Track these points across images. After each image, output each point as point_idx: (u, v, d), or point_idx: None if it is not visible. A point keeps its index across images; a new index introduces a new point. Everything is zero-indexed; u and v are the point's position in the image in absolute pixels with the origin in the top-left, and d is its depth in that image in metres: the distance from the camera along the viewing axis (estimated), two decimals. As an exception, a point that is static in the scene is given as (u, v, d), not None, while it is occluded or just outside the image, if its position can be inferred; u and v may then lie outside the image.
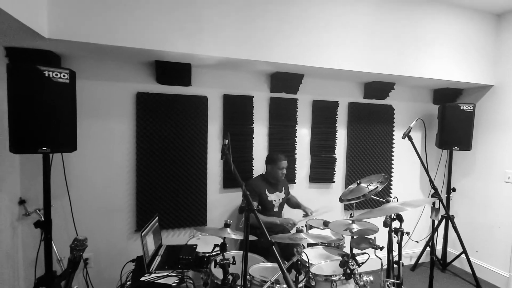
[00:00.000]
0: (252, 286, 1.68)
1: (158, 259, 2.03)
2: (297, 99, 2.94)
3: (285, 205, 2.75)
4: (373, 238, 2.03)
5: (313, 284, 1.81)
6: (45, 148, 1.68)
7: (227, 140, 1.52)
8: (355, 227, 2.08)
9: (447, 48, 2.86)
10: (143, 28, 1.97)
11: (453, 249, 3.30)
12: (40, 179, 1.84)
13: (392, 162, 3.35)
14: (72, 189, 2.23)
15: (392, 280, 1.83)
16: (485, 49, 3.05)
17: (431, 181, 2.20)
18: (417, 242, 3.40)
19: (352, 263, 1.72)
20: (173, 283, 1.70)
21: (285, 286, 1.51)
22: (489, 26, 3.05)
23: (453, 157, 3.28)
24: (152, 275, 1.78)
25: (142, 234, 1.88)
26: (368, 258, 2.00)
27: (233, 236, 1.71)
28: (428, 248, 3.29)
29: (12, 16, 1.46)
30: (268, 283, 1.57)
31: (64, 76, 1.72)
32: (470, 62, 2.98)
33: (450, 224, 3.05)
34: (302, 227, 1.93)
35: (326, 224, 2.53)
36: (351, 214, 2.38)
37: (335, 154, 3.11)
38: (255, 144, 2.83)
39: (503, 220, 2.99)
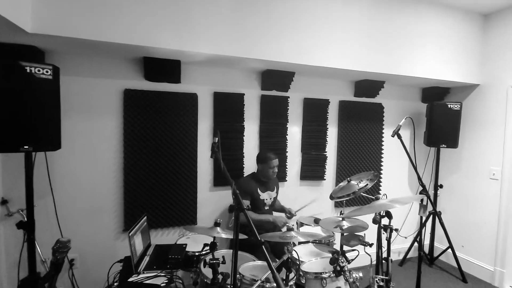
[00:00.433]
0: (242, 285, 1.67)
1: (146, 259, 2.00)
2: (288, 97, 2.94)
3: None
4: (363, 235, 2.05)
5: (303, 281, 1.82)
6: (27, 147, 1.62)
7: (217, 138, 1.50)
8: (345, 224, 2.09)
9: (436, 47, 2.90)
10: (131, 23, 1.92)
11: (440, 244, 3.37)
12: (23, 178, 1.77)
13: (382, 159, 3.39)
14: (57, 188, 2.17)
15: (381, 276, 1.86)
16: (472, 49, 3.10)
17: (419, 178, 2.23)
18: (405, 238, 3.46)
19: (342, 260, 1.73)
20: (161, 283, 1.68)
21: (275, 284, 1.50)
22: (476, 26, 3.11)
23: (441, 155, 3.34)
24: (140, 276, 1.75)
25: (130, 234, 1.84)
26: (358, 255, 2.01)
27: (223, 236, 1.69)
28: (416, 244, 3.35)
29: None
30: (258, 282, 1.56)
31: (47, 72, 1.66)
32: (458, 62, 3.03)
33: (437, 220, 3.11)
34: (293, 225, 1.92)
35: (317, 221, 2.54)
36: (341, 211, 2.40)
37: (326, 152, 3.13)
38: (246, 142, 2.81)
39: (488, 216, 3.06)
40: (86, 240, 2.34)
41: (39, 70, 1.64)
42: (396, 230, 1.93)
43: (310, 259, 2.00)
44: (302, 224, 2.55)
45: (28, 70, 1.60)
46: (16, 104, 1.58)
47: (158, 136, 2.48)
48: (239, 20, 2.18)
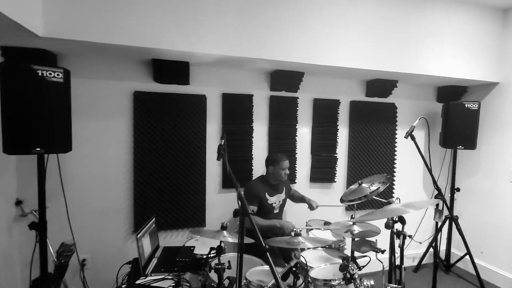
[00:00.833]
0: (249, 290, 1.64)
1: (154, 261, 2.00)
2: (298, 98, 2.89)
3: (287, 202, 2.69)
4: (375, 241, 1.98)
5: (312, 288, 1.77)
6: (39, 149, 1.65)
7: (223, 140, 1.48)
8: (356, 228, 2.03)
9: (451, 44, 2.78)
10: (140, 26, 1.93)
11: (457, 250, 3.24)
12: (37, 179, 1.81)
13: (395, 162, 3.28)
14: (68, 190, 2.20)
15: (394, 285, 1.78)
16: (491, 45, 2.96)
17: (434, 182, 2.14)
18: (420, 243, 3.34)
19: (352, 267, 1.67)
20: (169, 286, 1.67)
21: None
22: (495, 22, 2.96)
23: (458, 156, 3.21)
24: (148, 278, 1.75)
25: (138, 236, 1.84)
26: (369, 261, 1.95)
27: (230, 240, 1.66)
28: (431, 249, 3.23)
29: (5, 15, 1.43)
30: (265, 288, 1.53)
31: (58, 75, 1.69)
32: (475, 59, 2.90)
33: (454, 225, 2.99)
34: (300, 230, 1.86)
35: (327, 224, 2.48)
36: (352, 215, 2.33)
37: (336, 153, 3.06)
38: (255, 143, 2.78)
39: (509, 220, 2.92)
40: (96, 241, 2.37)
41: (50, 74, 1.66)
42: (410, 236, 1.85)
43: (319, 265, 1.94)
44: (311, 228, 2.49)
45: (40, 74, 1.63)
46: (28, 107, 1.61)
47: (167, 137, 2.49)
48: (247, 20, 2.16)
